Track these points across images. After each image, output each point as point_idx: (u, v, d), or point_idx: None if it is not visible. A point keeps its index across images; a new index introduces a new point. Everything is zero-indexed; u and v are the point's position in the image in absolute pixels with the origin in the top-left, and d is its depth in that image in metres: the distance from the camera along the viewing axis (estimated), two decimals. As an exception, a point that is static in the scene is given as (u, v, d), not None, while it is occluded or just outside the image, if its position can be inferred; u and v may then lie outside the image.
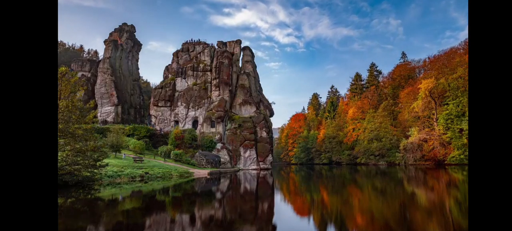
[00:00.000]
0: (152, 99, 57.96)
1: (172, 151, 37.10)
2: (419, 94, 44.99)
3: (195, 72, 56.56)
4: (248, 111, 54.36)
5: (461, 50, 46.01)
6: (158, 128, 52.75)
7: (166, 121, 54.76)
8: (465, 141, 38.38)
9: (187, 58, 61.31)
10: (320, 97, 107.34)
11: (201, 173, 29.14)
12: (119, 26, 72.95)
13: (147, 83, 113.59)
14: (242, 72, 59.28)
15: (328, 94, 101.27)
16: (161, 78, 64.96)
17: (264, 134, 51.80)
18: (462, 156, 38.38)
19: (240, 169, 44.15)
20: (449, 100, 42.05)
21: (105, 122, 58.19)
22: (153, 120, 56.33)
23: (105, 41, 67.04)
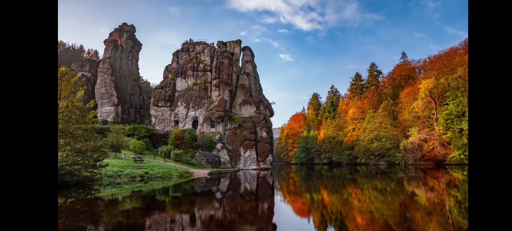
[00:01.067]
0: (152, 99, 57.99)
1: (172, 151, 37.12)
2: (419, 94, 44.97)
3: (195, 72, 56.58)
4: (248, 111, 54.38)
5: (461, 50, 46.00)
6: (158, 128, 52.76)
7: (166, 121, 54.78)
8: (465, 141, 38.37)
9: (187, 58, 61.31)
10: (320, 97, 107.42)
11: (201, 173, 29.14)
12: (119, 26, 73.02)
13: (147, 83, 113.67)
14: (242, 72, 59.30)
15: (328, 94, 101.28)
16: (161, 78, 65.00)
17: (264, 134, 51.81)
18: (462, 156, 38.37)
19: (240, 169, 44.15)
20: (449, 100, 42.03)
21: (105, 122, 58.22)
22: (153, 120, 56.35)
23: (105, 41, 67.06)
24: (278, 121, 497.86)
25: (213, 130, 50.06)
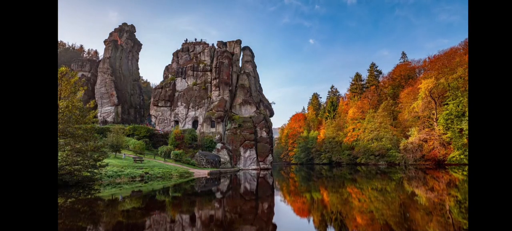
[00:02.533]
0: (152, 99, 58.03)
1: (172, 151, 37.13)
2: (419, 94, 44.98)
3: (195, 72, 56.62)
4: (248, 111, 54.38)
5: (461, 50, 46.01)
6: (158, 128, 52.76)
7: (166, 121, 54.79)
8: (465, 141, 38.37)
9: (187, 58, 61.35)
10: (320, 98, 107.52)
11: (201, 173, 29.13)
12: (119, 26, 73.04)
13: (147, 83, 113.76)
14: (242, 72, 59.32)
15: (328, 94, 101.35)
16: (161, 78, 65.03)
17: (264, 134, 51.81)
18: (462, 156, 38.37)
19: (240, 169, 44.15)
20: (449, 100, 42.04)
21: (105, 122, 58.23)
22: (153, 119, 56.36)
23: (105, 41, 67.07)
24: (279, 121, 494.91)
25: (213, 130, 50.06)
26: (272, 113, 61.90)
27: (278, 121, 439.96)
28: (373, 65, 76.52)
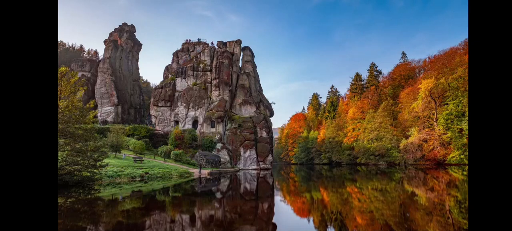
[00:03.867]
0: (152, 99, 58.03)
1: (172, 151, 37.13)
2: (419, 94, 44.99)
3: (195, 72, 56.61)
4: (248, 111, 54.39)
5: (461, 50, 46.02)
6: (158, 128, 52.77)
7: (166, 121, 54.79)
8: (465, 141, 38.37)
9: (187, 58, 61.37)
10: (320, 98, 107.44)
11: (201, 173, 29.12)
12: (119, 26, 73.05)
13: (147, 83, 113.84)
14: (242, 72, 59.33)
15: (328, 94, 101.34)
16: (161, 78, 65.06)
17: (264, 134, 51.82)
18: (462, 156, 38.36)
19: (240, 169, 44.15)
20: (449, 100, 42.04)
21: (105, 122, 58.24)
22: (153, 119, 56.37)
23: (105, 41, 67.08)
24: (279, 120, 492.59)
25: (213, 130, 50.06)
26: (272, 114, 61.94)
27: (285, 119, 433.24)
28: (373, 65, 76.55)
